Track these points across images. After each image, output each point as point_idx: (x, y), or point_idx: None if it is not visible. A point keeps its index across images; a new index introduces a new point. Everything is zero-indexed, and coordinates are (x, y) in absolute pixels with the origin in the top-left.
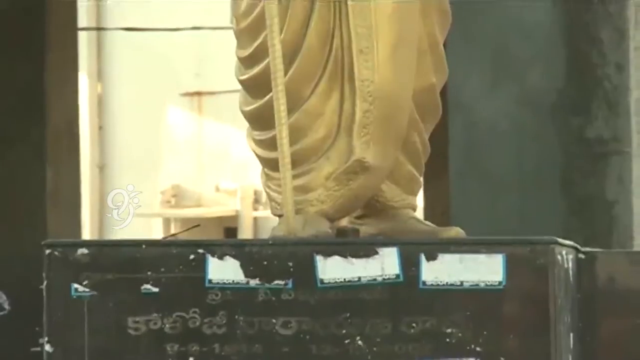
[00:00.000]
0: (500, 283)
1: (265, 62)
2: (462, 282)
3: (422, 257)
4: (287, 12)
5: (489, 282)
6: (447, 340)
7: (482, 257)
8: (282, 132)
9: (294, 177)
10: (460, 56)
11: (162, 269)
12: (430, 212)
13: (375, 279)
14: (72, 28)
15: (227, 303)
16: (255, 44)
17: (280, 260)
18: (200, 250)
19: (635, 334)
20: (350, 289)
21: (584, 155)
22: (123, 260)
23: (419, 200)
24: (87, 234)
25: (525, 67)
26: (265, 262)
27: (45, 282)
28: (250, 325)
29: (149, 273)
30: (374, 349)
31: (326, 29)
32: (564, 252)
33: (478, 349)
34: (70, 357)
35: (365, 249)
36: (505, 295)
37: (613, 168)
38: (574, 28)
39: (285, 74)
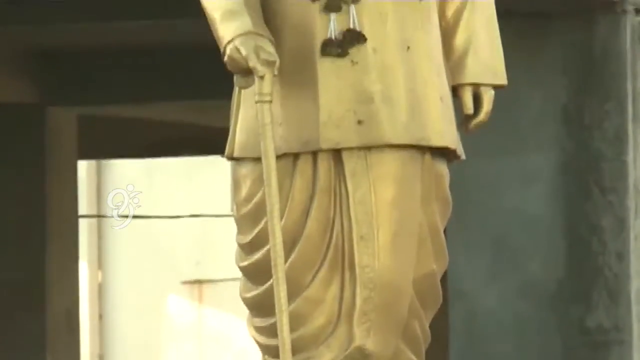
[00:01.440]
0: None
1: (266, 248)
2: None
3: None
4: (287, 200)
5: None
6: None
7: None
8: (283, 320)
9: None
10: (460, 244)
11: None
12: None
13: None
14: (72, 217)
15: None
16: (256, 231)
17: None
18: None
19: None
20: None
21: (585, 345)
22: None
23: None
24: None
25: (526, 257)
26: None
27: None
28: None
29: None
30: None
31: (326, 216)
32: None
33: None
34: None
35: None
36: None
37: (614, 357)
38: (574, 217)
39: (286, 260)
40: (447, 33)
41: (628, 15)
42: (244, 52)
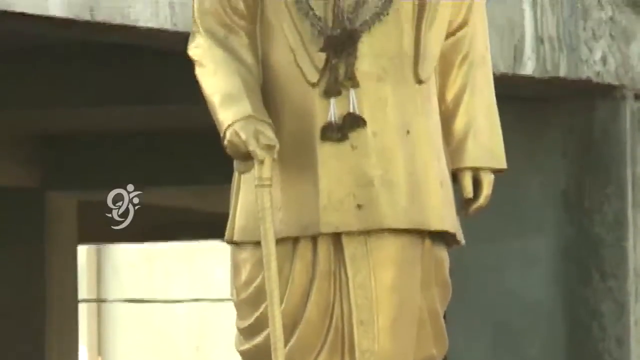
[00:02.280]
0: None
1: (266, 332)
2: None
3: None
4: (287, 284)
5: None
6: None
7: None
8: None
9: None
10: (460, 328)
11: None
12: None
13: None
14: (72, 301)
15: None
16: (256, 315)
17: None
18: None
19: None
20: None
21: None
22: None
23: None
24: None
25: (526, 341)
26: None
27: None
28: None
29: None
30: None
31: (326, 300)
32: None
33: None
34: None
35: None
36: None
37: None
38: (574, 302)
39: (286, 345)
40: (447, 117)
41: (627, 101)
42: (243, 136)
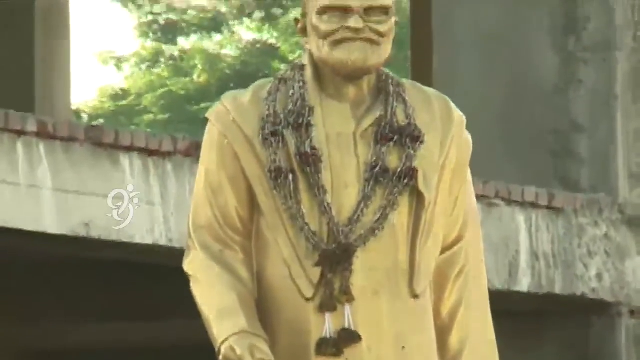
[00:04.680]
0: None
1: None
2: None
3: None
4: None
5: None
6: None
7: None
8: None
9: None
10: None
11: None
12: None
13: None
14: None
15: None
16: None
17: None
18: None
19: None
20: None
21: None
22: None
23: None
24: None
25: None
26: None
27: None
28: None
29: None
30: None
31: None
32: None
33: None
34: None
35: None
36: None
37: None
38: None
39: None
40: (443, 331)
41: (623, 317)
42: (238, 351)
